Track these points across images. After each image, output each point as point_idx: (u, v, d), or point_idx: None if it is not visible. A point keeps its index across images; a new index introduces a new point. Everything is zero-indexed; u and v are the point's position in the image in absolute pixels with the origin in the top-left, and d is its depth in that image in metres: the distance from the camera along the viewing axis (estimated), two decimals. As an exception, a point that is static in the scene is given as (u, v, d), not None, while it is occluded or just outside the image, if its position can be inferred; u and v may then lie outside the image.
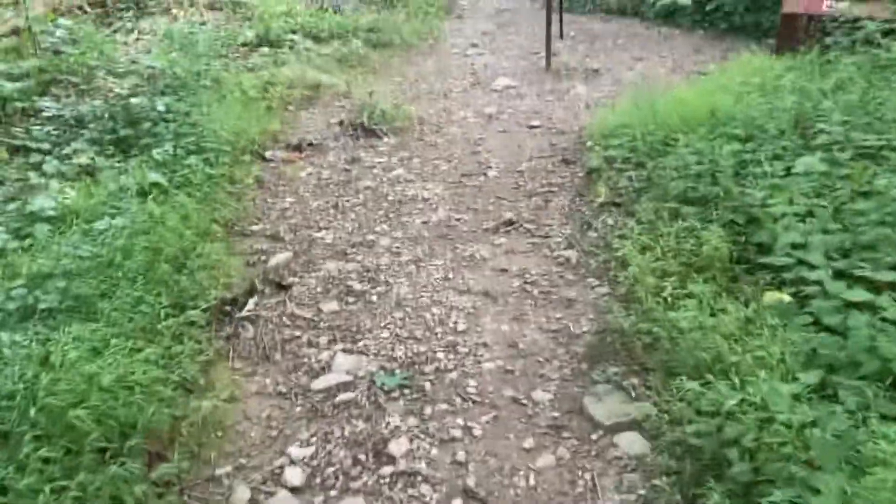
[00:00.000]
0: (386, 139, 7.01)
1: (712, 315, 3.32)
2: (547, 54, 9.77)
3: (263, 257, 4.68)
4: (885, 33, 7.08)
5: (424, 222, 5.17)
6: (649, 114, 5.98)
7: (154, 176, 4.96)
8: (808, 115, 5.38)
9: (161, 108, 6.23)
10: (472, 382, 3.44)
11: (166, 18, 10.54)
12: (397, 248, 4.78)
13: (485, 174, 6.08)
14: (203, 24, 10.43)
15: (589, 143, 6.37)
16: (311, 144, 6.83)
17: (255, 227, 5.12)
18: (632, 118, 6.09)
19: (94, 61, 7.44)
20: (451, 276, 4.41)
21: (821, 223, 3.71)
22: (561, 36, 11.21)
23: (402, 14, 12.42)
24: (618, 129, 6.04)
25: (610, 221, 4.84)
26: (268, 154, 6.51)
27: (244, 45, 9.88)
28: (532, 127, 7.36)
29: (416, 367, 3.56)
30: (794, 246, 3.60)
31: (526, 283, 4.31)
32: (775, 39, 8.83)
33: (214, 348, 3.66)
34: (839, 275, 3.34)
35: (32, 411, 2.66)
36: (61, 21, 8.38)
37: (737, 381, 2.73)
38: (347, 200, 5.58)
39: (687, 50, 10.51)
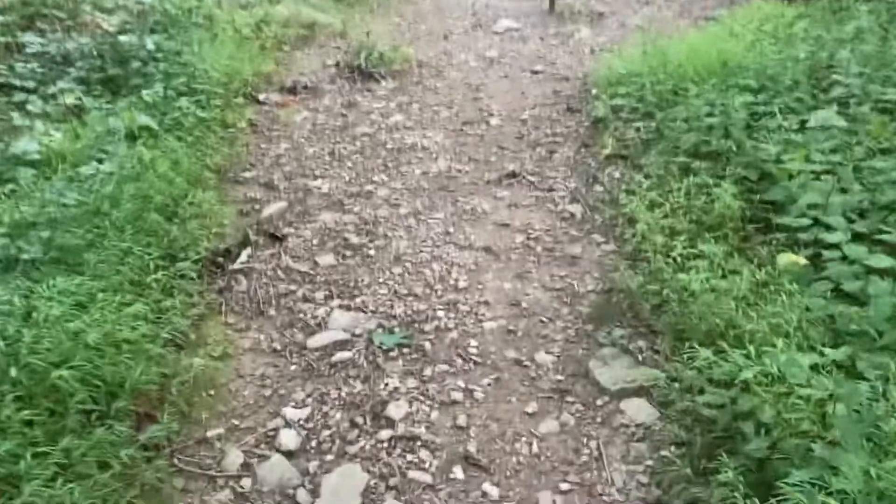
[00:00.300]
0: (384, 83, 6.77)
1: (724, 277, 3.20)
2: (551, -5, 9.46)
3: (257, 206, 4.51)
4: (904, -20, 6.83)
5: (424, 173, 4.99)
6: (659, 62, 5.76)
7: (143, 118, 4.75)
8: (822, 66, 5.19)
9: (151, 46, 5.98)
10: (473, 343, 3.32)
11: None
12: (396, 199, 4.61)
13: (487, 122, 5.88)
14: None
15: (594, 91, 6.14)
16: (306, 87, 6.58)
17: (247, 174, 4.93)
18: (640, 66, 5.87)
19: (81, -6, 7.13)
20: (451, 230, 4.25)
21: (841, 182, 3.56)
22: (565, -24, 10.85)
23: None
24: (625, 77, 5.83)
25: (616, 175, 4.67)
26: (261, 97, 6.28)
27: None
28: (535, 72, 7.13)
29: (416, 325, 3.44)
30: (811, 206, 3.46)
31: (529, 238, 4.16)
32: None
33: (206, 302, 3.52)
34: (857, 237, 3.21)
35: (14, 371, 2.52)
36: (45, -49, 8.01)
37: (752, 349, 2.61)
38: (344, 148, 5.38)
39: (694, -7, 10.18)
